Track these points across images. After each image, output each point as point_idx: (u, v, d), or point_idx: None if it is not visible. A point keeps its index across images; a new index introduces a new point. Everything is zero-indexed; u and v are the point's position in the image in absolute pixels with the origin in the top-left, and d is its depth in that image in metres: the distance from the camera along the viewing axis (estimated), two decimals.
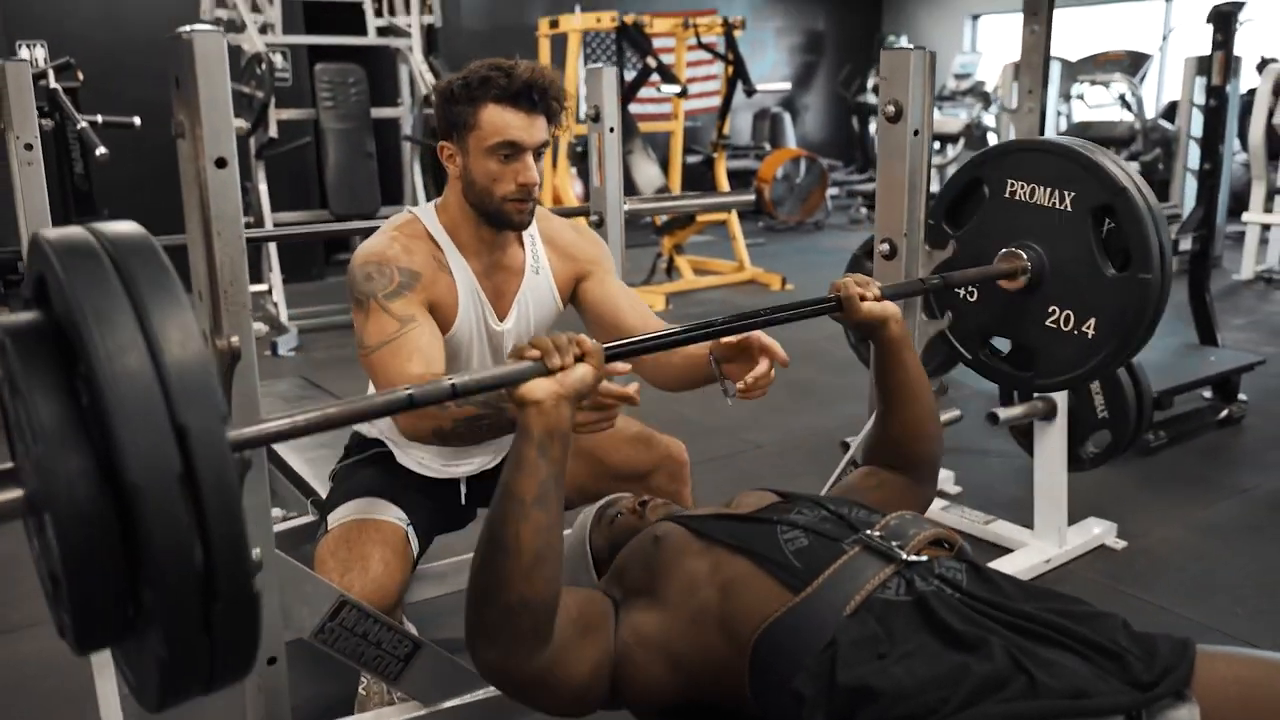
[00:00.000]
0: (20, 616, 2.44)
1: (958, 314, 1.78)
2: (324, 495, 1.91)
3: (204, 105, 1.09)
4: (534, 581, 1.11)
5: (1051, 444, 2.69)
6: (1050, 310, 1.64)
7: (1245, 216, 6.49)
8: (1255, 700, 1.02)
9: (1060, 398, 2.66)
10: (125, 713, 1.75)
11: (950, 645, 1.07)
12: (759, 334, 1.49)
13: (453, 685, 1.51)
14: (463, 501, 1.95)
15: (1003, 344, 1.83)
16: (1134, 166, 7.26)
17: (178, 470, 0.58)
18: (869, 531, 1.23)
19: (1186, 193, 6.25)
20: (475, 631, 1.16)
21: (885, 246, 1.78)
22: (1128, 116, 8.01)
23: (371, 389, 1.92)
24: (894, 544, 1.20)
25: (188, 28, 1.08)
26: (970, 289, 1.78)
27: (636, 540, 1.38)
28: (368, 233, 1.75)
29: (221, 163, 1.11)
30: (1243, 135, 6.54)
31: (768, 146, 10.31)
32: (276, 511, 1.45)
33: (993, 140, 9.18)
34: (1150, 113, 8.48)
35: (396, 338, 1.56)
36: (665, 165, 7.27)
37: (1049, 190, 1.62)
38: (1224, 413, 3.80)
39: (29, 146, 2.23)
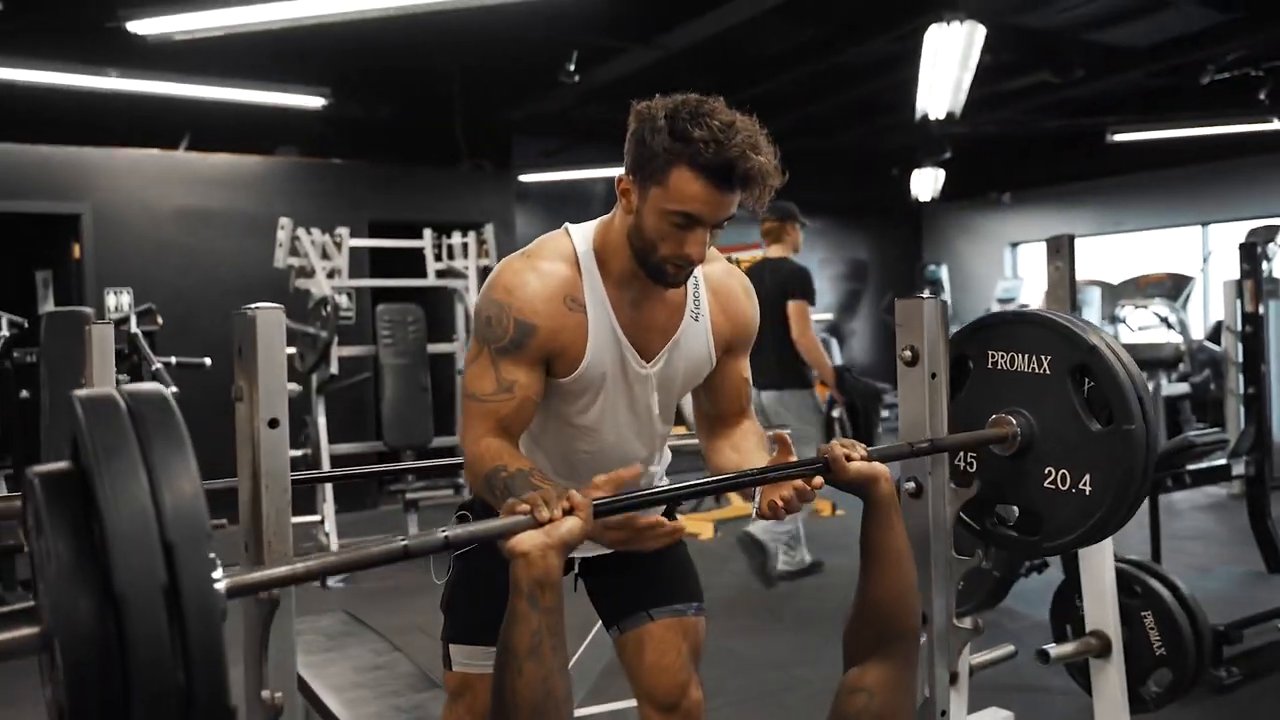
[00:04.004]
0: None
1: (960, 486, 1.79)
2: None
3: (261, 371, 1.20)
4: None
5: (1110, 683, 2.57)
6: (1047, 471, 1.70)
7: None
8: None
9: (1114, 634, 2.57)
10: None
11: None
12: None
13: None
14: (574, 584, 1.89)
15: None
16: (1181, 386, 7.23)
17: (165, 620, 0.66)
18: None
19: (1242, 415, 6.18)
20: None
21: (910, 485, 1.82)
22: (1175, 338, 8.08)
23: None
24: None
25: (253, 306, 1.21)
26: (969, 460, 1.83)
27: None
28: (420, 472, 1.83)
29: (274, 423, 1.21)
30: None
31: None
32: None
33: None
34: (1198, 333, 8.53)
35: (487, 401, 1.62)
36: None
37: (1026, 356, 1.71)
38: None
39: None
